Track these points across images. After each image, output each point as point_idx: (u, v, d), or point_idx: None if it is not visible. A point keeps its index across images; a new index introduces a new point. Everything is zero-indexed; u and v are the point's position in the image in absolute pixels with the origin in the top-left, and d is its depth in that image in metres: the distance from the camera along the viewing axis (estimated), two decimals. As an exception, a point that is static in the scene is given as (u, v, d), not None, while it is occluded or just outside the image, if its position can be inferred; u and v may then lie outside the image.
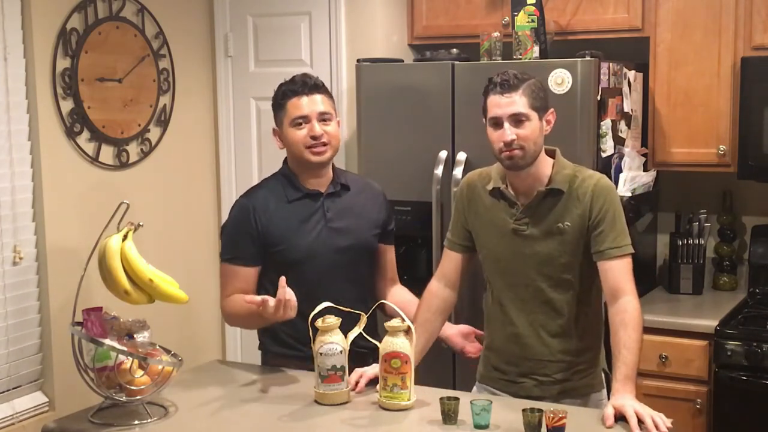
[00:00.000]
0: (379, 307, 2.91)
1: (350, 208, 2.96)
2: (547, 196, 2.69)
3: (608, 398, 2.72)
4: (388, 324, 2.56)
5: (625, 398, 2.46)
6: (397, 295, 3.04)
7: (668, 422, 2.39)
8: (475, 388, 2.90)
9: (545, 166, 2.70)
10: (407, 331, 2.55)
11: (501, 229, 2.74)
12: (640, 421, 2.38)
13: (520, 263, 2.72)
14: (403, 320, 2.55)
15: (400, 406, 2.52)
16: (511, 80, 2.62)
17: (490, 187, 2.76)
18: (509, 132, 2.60)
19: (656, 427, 2.36)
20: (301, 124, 2.85)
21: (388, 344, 2.53)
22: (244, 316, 2.86)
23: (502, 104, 2.61)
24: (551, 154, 2.74)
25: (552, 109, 2.72)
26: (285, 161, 2.99)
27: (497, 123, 2.64)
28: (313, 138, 2.84)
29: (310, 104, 2.86)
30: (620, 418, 2.42)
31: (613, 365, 2.57)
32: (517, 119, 2.61)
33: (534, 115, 2.63)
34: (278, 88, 2.93)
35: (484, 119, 2.71)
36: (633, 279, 2.66)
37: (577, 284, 2.70)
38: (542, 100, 2.67)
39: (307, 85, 2.87)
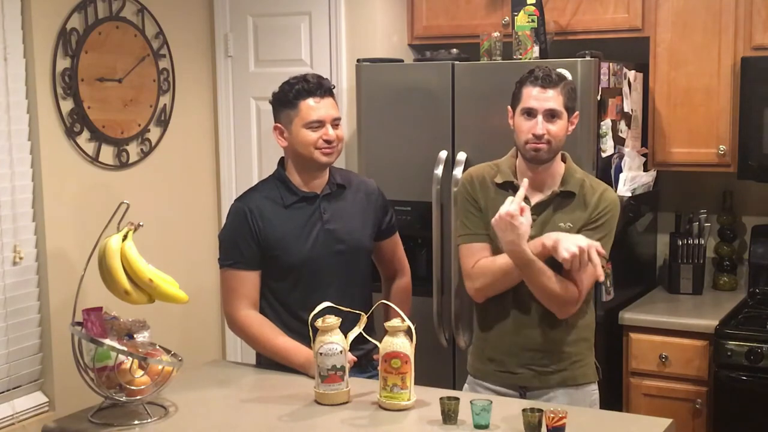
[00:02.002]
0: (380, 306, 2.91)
1: (347, 209, 2.96)
2: (559, 196, 2.75)
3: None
4: (388, 324, 2.55)
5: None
6: (393, 299, 3.01)
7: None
8: (466, 385, 2.91)
9: (559, 166, 2.79)
10: (407, 331, 2.55)
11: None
12: None
13: None
14: (403, 320, 2.55)
15: (400, 406, 2.52)
16: (553, 76, 2.71)
17: (499, 180, 2.80)
18: (541, 126, 2.68)
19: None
20: (316, 127, 2.85)
21: (388, 344, 2.53)
22: (268, 349, 2.86)
23: (540, 98, 2.69)
24: (562, 157, 2.81)
25: (577, 112, 2.80)
26: (280, 163, 2.98)
27: (531, 114, 2.70)
28: (327, 142, 2.85)
29: (326, 108, 2.86)
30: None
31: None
32: (551, 114, 2.70)
33: (565, 114, 2.72)
34: (288, 85, 2.89)
35: (511, 108, 2.78)
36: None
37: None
38: (573, 102, 2.76)
39: (322, 87, 2.87)
